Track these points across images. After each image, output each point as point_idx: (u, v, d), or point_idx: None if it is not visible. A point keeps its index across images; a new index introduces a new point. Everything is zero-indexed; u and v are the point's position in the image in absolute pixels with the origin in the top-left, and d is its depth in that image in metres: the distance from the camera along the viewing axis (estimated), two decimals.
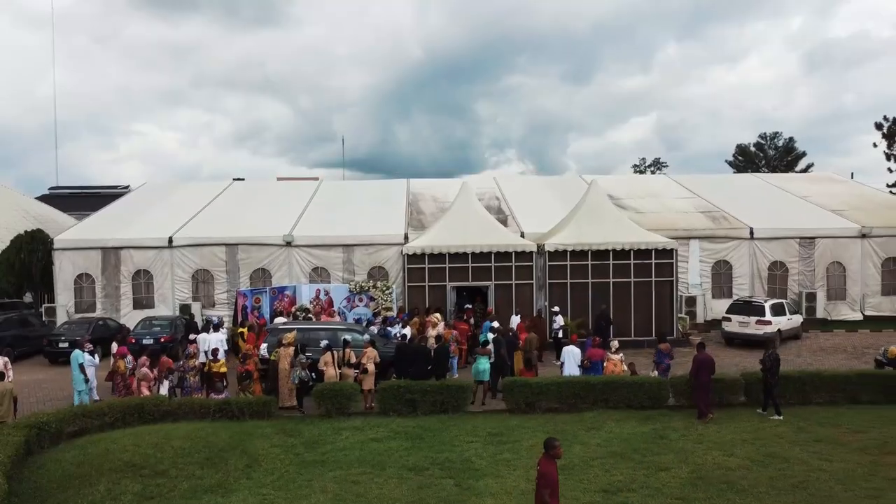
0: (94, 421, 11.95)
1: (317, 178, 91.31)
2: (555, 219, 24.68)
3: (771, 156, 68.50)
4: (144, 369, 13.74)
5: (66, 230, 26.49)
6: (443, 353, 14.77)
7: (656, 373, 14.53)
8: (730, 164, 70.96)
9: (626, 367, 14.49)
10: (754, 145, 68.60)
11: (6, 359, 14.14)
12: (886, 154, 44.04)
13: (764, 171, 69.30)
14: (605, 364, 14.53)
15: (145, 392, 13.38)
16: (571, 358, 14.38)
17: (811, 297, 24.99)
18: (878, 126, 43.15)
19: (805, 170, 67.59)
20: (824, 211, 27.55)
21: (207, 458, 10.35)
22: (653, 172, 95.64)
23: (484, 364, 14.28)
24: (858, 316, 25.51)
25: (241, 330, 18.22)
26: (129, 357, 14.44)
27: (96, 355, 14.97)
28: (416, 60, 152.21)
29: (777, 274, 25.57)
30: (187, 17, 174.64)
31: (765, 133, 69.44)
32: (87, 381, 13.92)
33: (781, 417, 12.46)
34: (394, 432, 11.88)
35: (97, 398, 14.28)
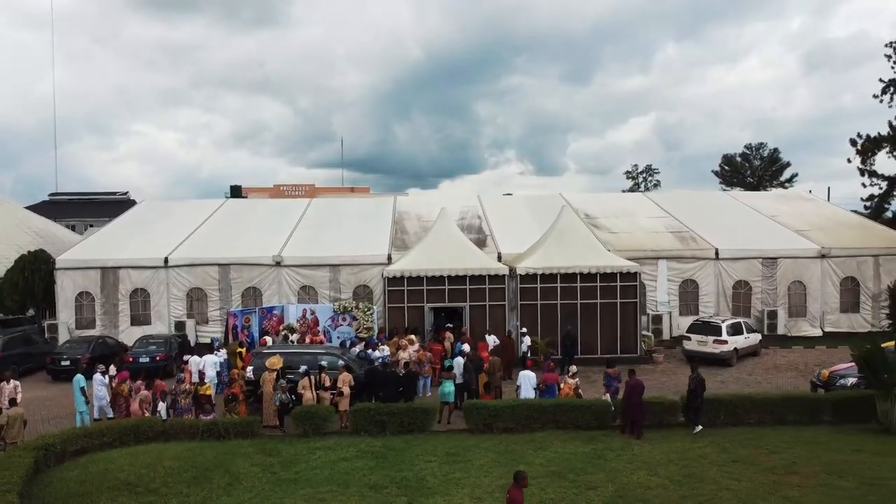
0: (95, 441, 13.37)
1: (313, 185, 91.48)
2: (532, 238, 26.10)
3: (756, 166, 70.02)
4: (144, 391, 15.17)
5: (68, 250, 27.88)
6: (411, 378, 16.21)
7: (607, 395, 15.93)
8: (716, 173, 72.53)
9: (580, 390, 15.91)
10: (740, 156, 70.13)
11: (17, 383, 15.57)
12: (860, 170, 45.46)
13: (750, 181, 71.00)
14: (561, 387, 15.97)
15: (145, 413, 14.78)
16: (527, 381, 15.81)
17: (773, 315, 26.46)
18: (853, 142, 44.49)
19: (790, 179, 69.26)
20: (788, 231, 28.98)
21: (194, 478, 11.77)
22: (645, 179, 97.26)
23: (449, 386, 15.71)
24: (818, 332, 26.96)
25: (239, 350, 19.62)
26: (100, 376, 16.02)
27: (106, 375, 16.41)
28: (416, 60, 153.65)
29: (741, 292, 27.03)
30: (186, 17, 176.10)
31: (750, 144, 70.94)
32: (87, 402, 15.34)
33: (700, 428, 14.08)
34: (362, 452, 13.30)
35: (110, 415, 15.69)
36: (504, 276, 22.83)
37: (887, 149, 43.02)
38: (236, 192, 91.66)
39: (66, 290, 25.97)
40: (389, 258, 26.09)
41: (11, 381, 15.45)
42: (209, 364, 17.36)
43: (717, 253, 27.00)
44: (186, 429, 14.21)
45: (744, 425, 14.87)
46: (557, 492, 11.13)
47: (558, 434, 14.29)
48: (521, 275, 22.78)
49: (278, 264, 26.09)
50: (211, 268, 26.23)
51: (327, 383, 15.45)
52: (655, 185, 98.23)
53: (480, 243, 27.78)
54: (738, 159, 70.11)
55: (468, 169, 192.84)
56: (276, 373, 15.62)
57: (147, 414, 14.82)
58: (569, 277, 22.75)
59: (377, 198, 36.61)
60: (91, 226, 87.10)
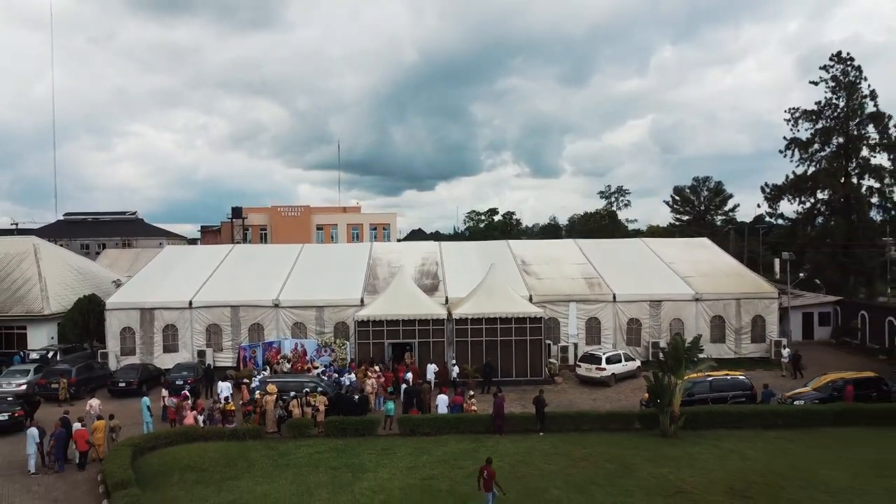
0: (162, 441, 21.27)
1: (308, 206, 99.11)
2: (476, 281, 33.87)
3: (704, 197, 78.32)
4: (189, 410, 23.07)
5: (113, 293, 35.74)
6: (364, 401, 24.20)
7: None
8: (667, 203, 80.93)
9: (475, 408, 23.90)
10: (689, 188, 78.43)
11: (98, 401, 23.46)
12: (769, 213, 53.66)
13: (699, 210, 79.23)
14: (465, 406, 23.94)
15: (192, 422, 22.66)
16: (442, 402, 23.79)
17: (656, 346, 34.42)
18: (763, 190, 52.71)
19: (732, 209, 77.63)
20: (676, 277, 37.00)
21: (226, 463, 19.69)
22: (617, 199, 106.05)
23: (390, 406, 23.66)
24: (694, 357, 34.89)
25: (244, 382, 27.40)
26: (174, 399, 23.86)
27: (171, 398, 24.30)
28: (412, 63, 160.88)
29: (633, 327, 35.07)
30: (184, 19, 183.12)
31: (698, 177, 79.14)
32: (151, 415, 23.26)
33: (542, 434, 21.99)
34: (329, 448, 21.22)
35: (152, 428, 23.50)
36: (444, 319, 30.81)
37: (788, 196, 51.40)
38: (237, 212, 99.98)
39: (113, 326, 33.84)
40: (362, 301, 34.04)
41: (95, 399, 23.40)
42: (227, 388, 25.26)
43: (614, 297, 35.04)
44: (218, 433, 22.12)
45: (580, 431, 22.80)
46: (440, 470, 19.09)
47: (457, 437, 22.23)
48: (456, 318, 30.77)
49: (276, 306, 34.02)
50: (224, 308, 34.15)
51: (318, 405, 23.26)
52: (626, 205, 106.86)
53: (434, 287, 35.81)
54: (687, 191, 78.42)
55: (465, 171, 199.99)
56: (275, 395, 23.54)
57: (193, 422, 22.72)
58: (492, 321, 30.73)
59: (355, 245, 44.49)
60: (104, 245, 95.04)
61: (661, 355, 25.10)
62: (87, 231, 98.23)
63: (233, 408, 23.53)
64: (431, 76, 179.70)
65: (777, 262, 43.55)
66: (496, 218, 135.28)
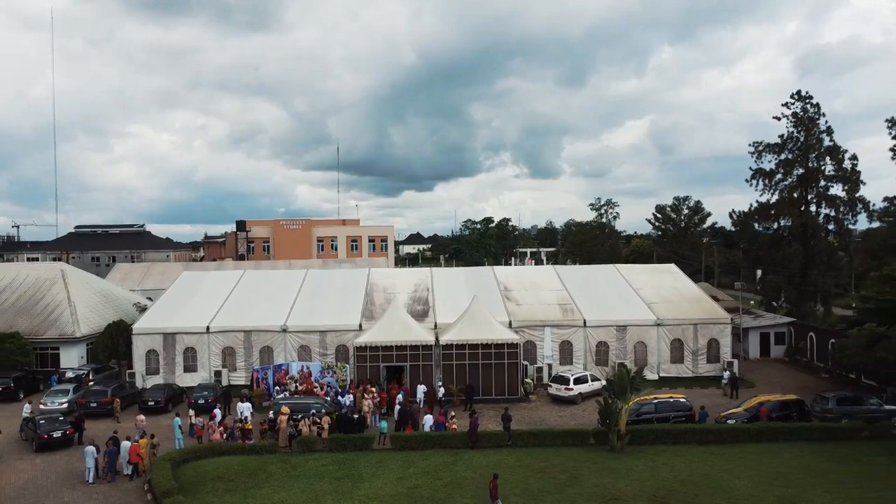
0: (192, 455, 25.59)
1: (309, 220, 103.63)
2: (464, 305, 38.17)
3: (684, 214, 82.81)
4: (217, 428, 27.38)
5: (138, 318, 40.07)
6: (362, 420, 28.54)
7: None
8: (649, 221, 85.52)
9: (455, 426, 28.22)
10: (670, 206, 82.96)
11: (144, 417, 27.82)
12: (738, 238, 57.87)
13: (681, 226, 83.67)
14: (447, 424, 28.28)
15: (218, 438, 26.96)
16: (428, 421, 28.13)
17: (622, 366, 38.68)
18: (730, 215, 57.06)
19: (711, 227, 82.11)
20: (642, 303, 41.35)
21: (248, 474, 24.01)
22: (606, 210, 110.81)
23: (384, 424, 27.99)
24: (655, 377, 39.22)
25: (265, 402, 31.70)
26: (200, 419, 28.21)
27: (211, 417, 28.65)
28: (411, 64, 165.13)
29: (602, 349, 39.42)
30: (183, 21, 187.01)
31: (678, 196, 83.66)
32: (182, 433, 27.57)
33: (511, 443, 26.30)
34: (332, 461, 25.54)
35: (183, 444, 27.81)
36: (432, 345, 35.16)
37: (756, 220, 55.76)
38: (241, 226, 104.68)
39: (139, 348, 38.15)
40: (360, 326, 38.38)
41: (141, 416, 27.75)
42: (247, 409, 29.57)
43: (585, 322, 39.40)
44: (240, 448, 26.43)
45: (542, 446, 27.10)
46: (424, 480, 23.40)
47: (440, 451, 26.53)
48: (443, 344, 35.11)
49: (284, 331, 38.36)
50: (237, 333, 38.49)
51: (323, 423, 27.58)
52: (615, 218, 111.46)
53: (424, 313, 40.18)
54: (668, 209, 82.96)
55: (463, 172, 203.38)
56: (287, 415, 27.87)
57: (219, 438, 27.03)
58: (474, 346, 35.07)
59: (355, 269, 48.86)
60: (114, 258, 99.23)
61: (607, 383, 29.30)
62: (96, 244, 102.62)
63: (250, 426, 27.85)
64: (430, 77, 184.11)
65: (737, 284, 47.92)
66: (491, 225, 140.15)
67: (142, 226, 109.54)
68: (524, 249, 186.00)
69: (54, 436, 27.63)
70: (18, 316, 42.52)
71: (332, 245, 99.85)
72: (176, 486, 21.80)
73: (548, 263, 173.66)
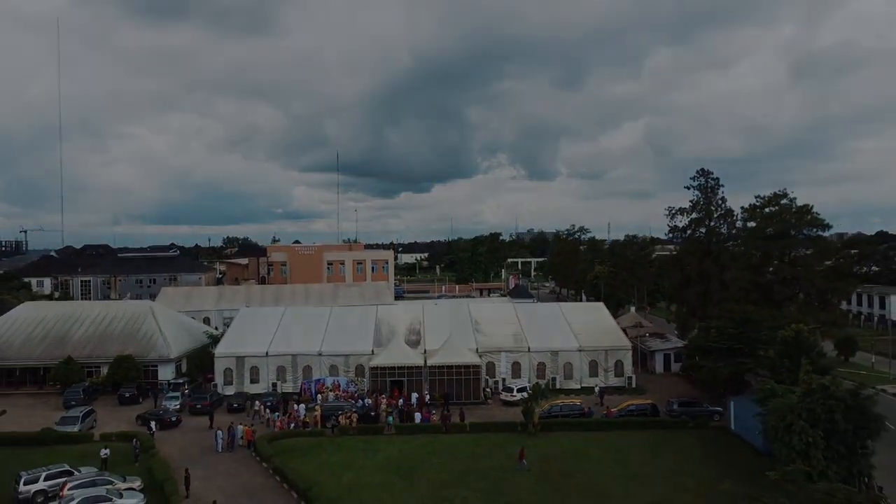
0: (277, 437, 42.48)
1: (321, 246, 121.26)
2: (445, 335, 55.11)
3: (636, 246, 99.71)
4: (280, 420, 44.25)
5: (218, 346, 57.06)
6: (376, 416, 45.52)
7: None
8: (608, 247, 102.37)
9: (436, 419, 45.13)
10: (623, 241, 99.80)
11: (262, 405, 44.82)
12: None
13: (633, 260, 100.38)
14: (431, 418, 45.20)
15: (282, 427, 43.88)
16: (417, 417, 45.13)
17: (554, 380, 55.70)
18: (649, 265, 73.83)
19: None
20: (571, 334, 58.27)
21: (310, 447, 40.91)
22: (579, 237, 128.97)
23: (390, 418, 44.92)
24: (577, 386, 56.13)
25: (313, 406, 48.63)
26: (276, 413, 45.33)
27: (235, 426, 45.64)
28: (408, 66, 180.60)
29: (541, 368, 56.34)
30: (180, 24, 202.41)
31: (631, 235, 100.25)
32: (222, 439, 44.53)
33: (469, 430, 43.35)
34: (359, 440, 42.38)
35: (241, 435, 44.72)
36: (422, 366, 52.11)
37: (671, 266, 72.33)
38: (262, 252, 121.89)
39: (219, 367, 55.08)
40: (373, 351, 55.32)
41: (259, 404, 44.80)
42: (302, 410, 46.45)
43: (529, 348, 56.37)
44: (299, 433, 43.31)
45: (490, 431, 43.93)
46: (414, 451, 40.31)
47: (425, 435, 43.37)
48: (429, 366, 52.09)
49: (320, 354, 55.31)
50: (287, 357, 55.47)
51: (353, 418, 44.50)
52: (584, 244, 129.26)
53: (417, 342, 57.20)
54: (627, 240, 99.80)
55: (461, 173, 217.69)
56: (318, 412, 44.75)
57: (282, 427, 43.96)
58: (450, 367, 51.99)
59: (366, 307, 65.90)
60: (154, 280, 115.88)
61: (526, 393, 46.10)
62: (138, 267, 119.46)
63: (308, 420, 44.85)
64: (427, 80, 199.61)
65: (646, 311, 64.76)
66: (484, 233, 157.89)
67: (176, 251, 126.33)
68: (515, 259, 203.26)
69: (171, 420, 44.94)
70: (126, 343, 59.36)
71: (341, 269, 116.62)
72: (272, 453, 38.70)
73: (534, 275, 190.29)
